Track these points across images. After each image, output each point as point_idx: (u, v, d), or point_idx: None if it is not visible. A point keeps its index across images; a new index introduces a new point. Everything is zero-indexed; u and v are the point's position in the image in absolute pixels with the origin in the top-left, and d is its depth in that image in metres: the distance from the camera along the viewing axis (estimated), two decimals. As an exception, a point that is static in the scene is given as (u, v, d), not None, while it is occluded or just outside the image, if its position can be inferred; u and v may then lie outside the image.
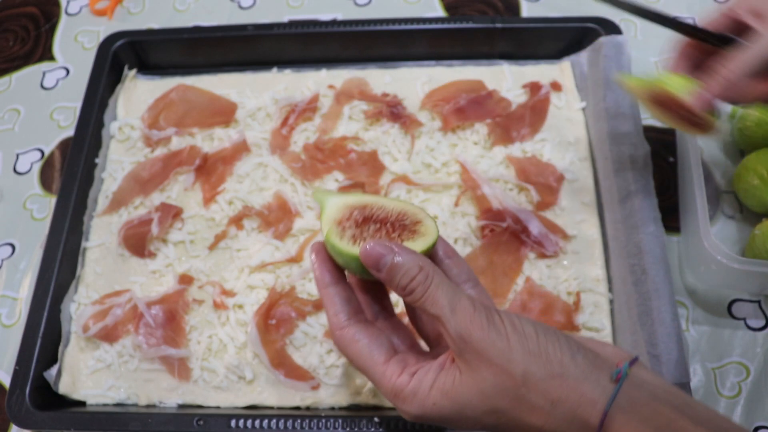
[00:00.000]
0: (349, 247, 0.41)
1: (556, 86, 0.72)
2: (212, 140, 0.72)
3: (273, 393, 0.58)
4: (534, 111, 0.70)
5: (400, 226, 0.43)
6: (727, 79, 0.47)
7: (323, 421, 0.53)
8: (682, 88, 0.50)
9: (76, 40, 0.86)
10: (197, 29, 0.80)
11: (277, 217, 0.65)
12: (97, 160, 0.71)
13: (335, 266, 0.43)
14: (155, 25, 0.86)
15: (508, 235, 0.62)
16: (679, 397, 0.36)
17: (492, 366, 0.36)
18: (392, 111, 0.71)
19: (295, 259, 0.63)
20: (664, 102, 0.52)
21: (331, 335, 0.42)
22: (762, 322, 0.61)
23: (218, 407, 0.58)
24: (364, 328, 0.41)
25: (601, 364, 0.37)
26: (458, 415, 0.38)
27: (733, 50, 0.48)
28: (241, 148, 0.70)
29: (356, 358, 0.41)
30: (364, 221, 0.42)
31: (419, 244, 0.41)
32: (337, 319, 0.41)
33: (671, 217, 0.65)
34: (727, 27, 0.50)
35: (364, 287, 0.45)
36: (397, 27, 0.73)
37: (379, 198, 0.45)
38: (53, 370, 0.59)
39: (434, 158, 0.68)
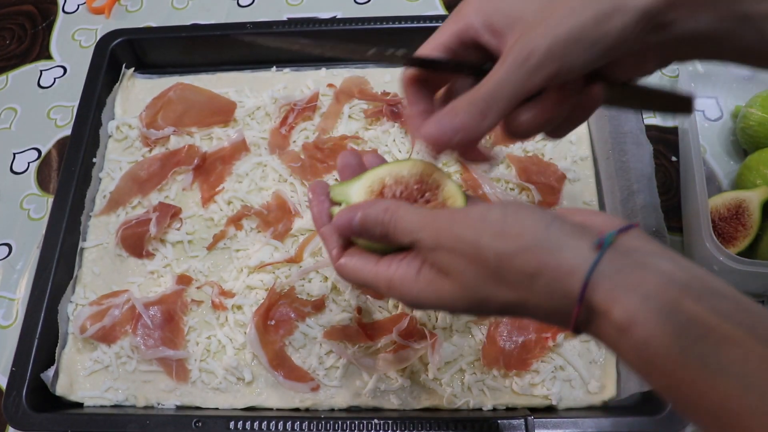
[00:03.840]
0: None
1: (557, 85, 0.71)
2: (211, 140, 0.71)
3: (272, 394, 0.58)
4: (535, 110, 0.70)
5: (424, 199, 0.43)
6: (472, 113, 0.37)
7: (323, 422, 0.53)
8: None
9: (74, 39, 0.86)
10: (195, 27, 0.80)
11: (277, 217, 0.65)
12: (94, 160, 0.70)
13: (329, 206, 0.44)
14: (153, 24, 0.85)
15: (509, 235, 0.62)
16: (672, 258, 0.33)
17: (465, 259, 0.35)
18: (392, 110, 0.70)
19: (295, 260, 0.62)
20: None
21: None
22: (765, 323, 0.60)
23: (217, 408, 0.58)
24: (355, 252, 0.42)
25: (583, 232, 0.34)
26: (445, 306, 0.38)
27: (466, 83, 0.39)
28: (240, 148, 0.70)
29: (355, 277, 0.42)
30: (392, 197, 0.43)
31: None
32: (333, 255, 0.43)
33: (673, 217, 0.65)
34: (462, 48, 0.40)
35: None
36: (397, 25, 0.73)
37: (393, 166, 0.44)
38: (50, 372, 0.59)
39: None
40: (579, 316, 0.33)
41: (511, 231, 0.34)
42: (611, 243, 0.33)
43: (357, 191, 0.44)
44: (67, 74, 0.83)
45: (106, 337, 0.60)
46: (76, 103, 0.72)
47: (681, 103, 0.47)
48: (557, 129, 0.42)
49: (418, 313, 0.58)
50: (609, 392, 0.56)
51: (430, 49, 0.40)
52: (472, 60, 0.40)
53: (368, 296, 0.60)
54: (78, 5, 0.88)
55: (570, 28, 0.35)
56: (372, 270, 0.40)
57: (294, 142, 0.70)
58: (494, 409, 0.56)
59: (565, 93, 0.39)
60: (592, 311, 0.32)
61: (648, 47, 0.38)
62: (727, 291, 0.31)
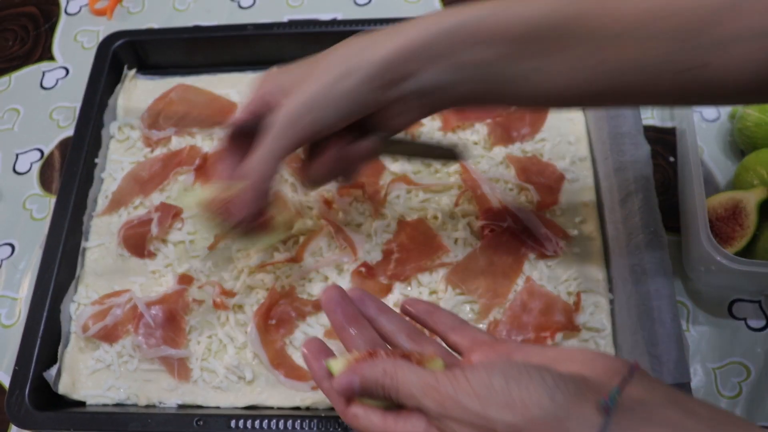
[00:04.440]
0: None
1: (556, 86, 0.72)
2: (212, 140, 0.72)
3: (273, 393, 0.58)
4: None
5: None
6: (254, 169, 0.43)
7: (323, 421, 0.53)
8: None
9: (76, 40, 0.86)
10: (197, 29, 0.80)
11: (277, 217, 0.65)
12: (96, 160, 0.70)
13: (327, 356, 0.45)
14: (155, 25, 0.85)
15: (508, 235, 0.62)
16: (679, 406, 0.35)
17: (473, 428, 0.36)
18: (392, 111, 0.70)
19: (295, 260, 0.63)
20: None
21: None
22: (762, 323, 0.61)
23: (218, 407, 0.58)
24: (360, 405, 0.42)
25: (586, 393, 0.35)
26: None
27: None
28: (241, 148, 0.70)
29: (365, 430, 0.42)
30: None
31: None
32: (339, 410, 0.43)
33: (671, 217, 0.65)
34: (265, 110, 0.45)
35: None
36: (397, 27, 0.73)
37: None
38: (53, 371, 0.59)
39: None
40: None
41: (518, 403, 0.35)
42: (616, 401, 0.34)
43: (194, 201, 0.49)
44: (69, 75, 0.83)
45: (108, 336, 0.61)
46: (79, 104, 0.72)
47: (449, 153, 0.54)
48: (347, 176, 0.48)
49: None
50: (607, 391, 0.57)
51: (241, 112, 0.46)
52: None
53: None
54: (80, 7, 0.89)
55: (314, 92, 0.41)
56: (380, 426, 0.40)
57: (294, 142, 0.71)
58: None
59: (340, 147, 0.44)
60: None
61: (398, 100, 0.42)
62: (740, 423, 0.34)
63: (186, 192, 0.52)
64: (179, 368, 0.59)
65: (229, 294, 0.62)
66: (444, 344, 0.46)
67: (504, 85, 0.41)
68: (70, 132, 0.77)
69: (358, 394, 0.41)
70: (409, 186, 0.66)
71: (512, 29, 0.39)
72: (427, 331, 0.48)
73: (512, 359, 0.40)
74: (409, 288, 0.61)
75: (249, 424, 0.53)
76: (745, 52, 0.36)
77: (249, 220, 0.47)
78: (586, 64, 0.39)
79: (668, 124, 0.72)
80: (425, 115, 0.46)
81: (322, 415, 0.54)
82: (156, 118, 0.72)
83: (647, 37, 0.37)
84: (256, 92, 0.46)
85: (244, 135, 0.46)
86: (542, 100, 0.44)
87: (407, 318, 0.48)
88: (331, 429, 0.53)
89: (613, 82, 0.40)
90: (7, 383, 0.60)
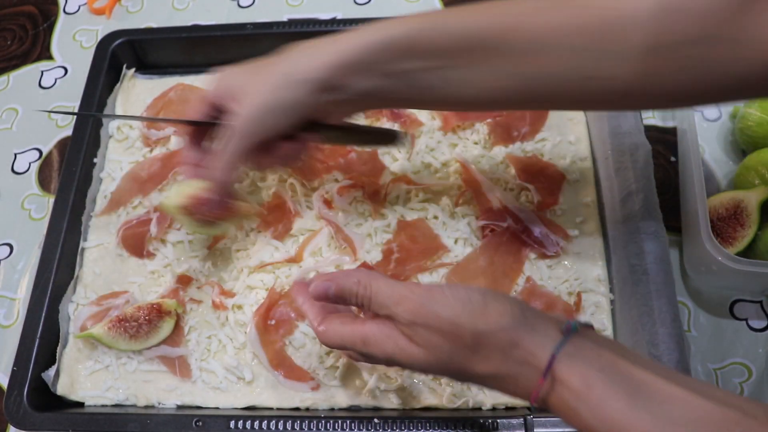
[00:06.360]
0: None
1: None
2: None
3: (272, 394, 0.58)
4: (534, 111, 0.70)
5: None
6: (218, 170, 0.51)
7: (323, 422, 0.53)
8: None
9: (75, 39, 0.86)
10: (196, 28, 0.80)
11: (277, 217, 0.65)
12: (95, 160, 0.70)
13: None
14: (154, 24, 0.85)
15: (508, 235, 0.62)
16: (623, 347, 0.40)
17: (442, 335, 0.40)
18: (392, 110, 0.70)
19: (295, 260, 0.63)
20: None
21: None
22: (764, 323, 0.61)
23: (217, 408, 0.58)
24: (333, 317, 0.46)
25: (551, 320, 0.41)
26: (419, 370, 0.43)
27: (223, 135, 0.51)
28: (241, 148, 0.70)
29: (335, 340, 0.45)
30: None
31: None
32: (313, 326, 0.46)
33: (672, 217, 0.65)
34: (214, 113, 0.53)
35: None
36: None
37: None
38: (51, 371, 0.59)
39: (434, 158, 0.68)
40: (543, 385, 0.38)
41: (492, 313, 0.40)
42: (576, 330, 0.39)
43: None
44: (68, 75, 0.83)
45: (107, 336, 0.60)
46: (77, 104, 0.72)
47: (389, 137, 0.58)
48: (294, 162, 0.54)
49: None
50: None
51: (194, 112, 0.53)
52: (220, 117, 0.52)
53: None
54: (79, 6, 0.89)
55: (262, 103, 0.48)
56: (348, 329, 0.44)
57: (294, 142, 0.71)
58: (494, 409, 0.56)
59: (286, 140, 0.51)
60: (555, 381, 0.38)
61: (335, 103, 0.48)
62: (668, 368, 0.40)
63: (168, 199, 0.57)
64: (180, 366, 0.59)
65: (229, 294, 0.62)
66: None
67: (432, 90, 0.47)
68: (68, 131, 0.77)
69: (332, 301, 0.45)
70: (409, 186, 0.66)
71: (440, 44, 0.44)
72: None
73: None
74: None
75: (248, 424, 0.53)
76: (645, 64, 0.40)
77: (216, 213, 0.56)
78: (506, 73, 0.44)
79: (669, 124, 0.72)
80: (359, 112, 0.54)
81: (322, 416, 0.54)
82: (155, 118, 0.72)
83: (558, 50, 0.42)
84: (208, 96, 0.52)
85: (201, 132, 0.55)
86: (467, 104, 0.51)
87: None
88: (330, 430, 0.53)
89: (528, 88, 0.45)
90: (5, 384, 0.60)
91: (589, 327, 0.41)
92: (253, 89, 0.48)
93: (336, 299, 0.45)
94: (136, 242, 0.65)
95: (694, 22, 0.38)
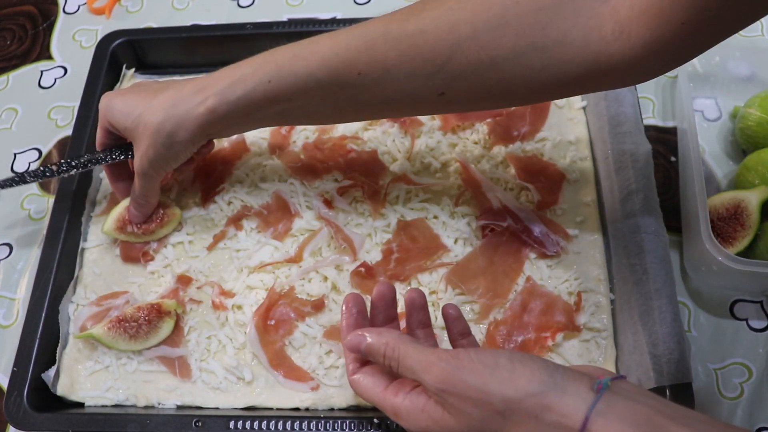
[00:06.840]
0: None
1: (556, 85, 0.71)
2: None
3: (272, 394, 0.58)
4: (534, 110, 0.70)
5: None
6: (132, 213, 0.63)
7: (322, 422, 0.53)
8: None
9: (74, 39, 0.86)
10: (196, 28, 0.80)
11: (277, 218, 0.65)
12: (95, 160, 0.70)
13: (358, 320, 0.51)
14: (154, 24, 0.85)
15: (508, 234, 0.62)
16: (658, 398, 0.40)
17: (472, 402, 0.40)
18: (392, 110, 0.70)
19: (295, 260, 0.63)
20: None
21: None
22: (764, 323, 0.61)
23: (217, 408, 0.58)
24: (368, 371, 0.49)
25: (582, 378, 0.40)
26: None
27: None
28: (240, 148, 0.70)
29: (361, 394, 0.48)
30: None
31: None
32: (348, 370, 0.50)
33: (672, 217, 0.65)
34: (112, 139, 0.62)
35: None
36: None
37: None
38: (51, 372, 0.59)
39: (434, 158, 0.68)
40: None
41: (520, 378, 0.40)
42: (608, 387, 0.39)
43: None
44: (67, 75, 0.83)
45: (107, 336, 0.60)
46: (77, 104, 0.72)
47: None
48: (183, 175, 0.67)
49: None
50: (608, 392, 0.56)
51: (99, 145, 0.63)
52: (120, 143, 0.63)
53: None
54: (79, 6, 0.89)
55: (152, 156, 0.57)
56: (380, 395, 0.46)
57: (294, 142, 0.71)
58: None
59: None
60: None
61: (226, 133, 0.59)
62: (706, 418, 0.38)
63: (105, 225, 0.64)
64: (180, 366, 0.59)
65: (228, 294, 0.62)
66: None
67: (292, 121, 0.62)
68: (68, 132, 0.77)
69: (363, 355, 0.47)
70: (409, 186, 0.66)
71: (291, 90, 0.51)
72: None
73: None
74: (408, 288, 0.61)
75: (248, 425, 0.53)
76: (475, 80, 0.47)
77: (143, 223, 0.64)
78: (358, 101, 0.51)
79: (669, 124, 0.72)
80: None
81: (322, 416, 0.54)
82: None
83: (404, 75, 0.48)
84: (101, 127, 0.61)
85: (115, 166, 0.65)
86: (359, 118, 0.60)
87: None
88: (330, 430, 0.53)
89: (383, 109, 0.54)
90: (5, 384, 0.60)
91: (622, 379, 0.41)
92: (143, 137, 0.56)
93: (366, 356, 0.47)
94: (130, 252, 0.65)
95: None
